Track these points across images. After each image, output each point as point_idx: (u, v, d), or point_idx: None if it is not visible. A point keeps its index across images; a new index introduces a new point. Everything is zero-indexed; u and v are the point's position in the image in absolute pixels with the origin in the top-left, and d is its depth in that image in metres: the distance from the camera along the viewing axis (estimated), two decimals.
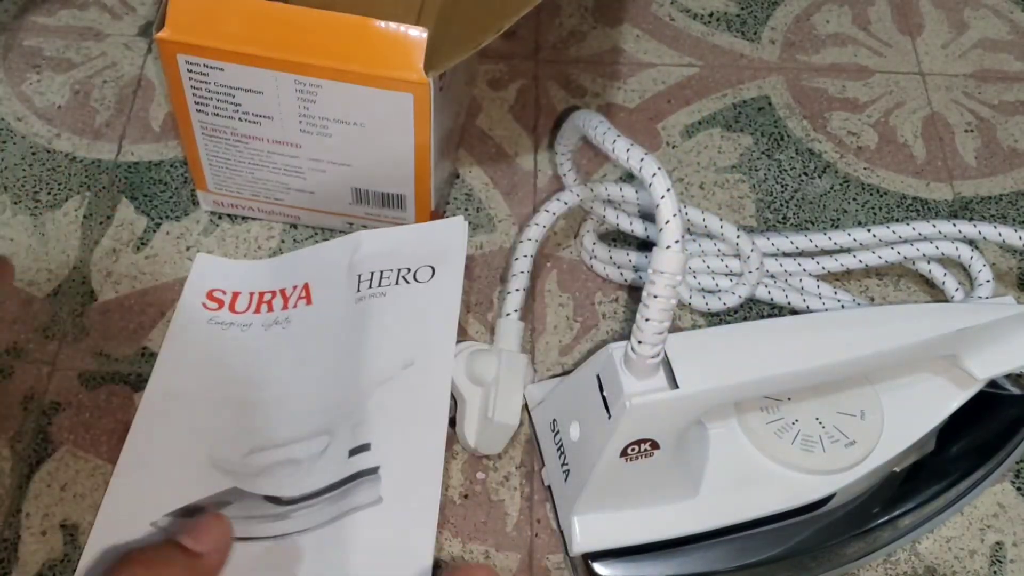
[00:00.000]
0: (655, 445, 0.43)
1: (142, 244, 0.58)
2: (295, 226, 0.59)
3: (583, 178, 0.58)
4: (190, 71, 0.51)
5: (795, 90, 0.67)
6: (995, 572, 0.50)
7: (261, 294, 0.55)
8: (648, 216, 0.57)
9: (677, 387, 0.41)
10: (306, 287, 0.55)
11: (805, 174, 0.63)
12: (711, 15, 0.70)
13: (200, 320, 0.55)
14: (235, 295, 0.55)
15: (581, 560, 0.46)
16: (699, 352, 0.42)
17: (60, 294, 0.56)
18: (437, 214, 0.58)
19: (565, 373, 0.52)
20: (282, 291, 0.55)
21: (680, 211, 0.40)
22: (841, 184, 0.63)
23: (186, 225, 0.59)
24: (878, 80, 0.68)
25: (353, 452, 0.48)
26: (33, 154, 0.62)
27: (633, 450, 0.43)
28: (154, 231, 0.59)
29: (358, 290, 0.53)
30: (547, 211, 0.55)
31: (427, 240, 0.54)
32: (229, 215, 0.59)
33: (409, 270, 0.53)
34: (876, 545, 0.49)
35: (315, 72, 0.50)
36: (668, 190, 0.39)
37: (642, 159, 0.40)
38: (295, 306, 0.54)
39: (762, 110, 0.66)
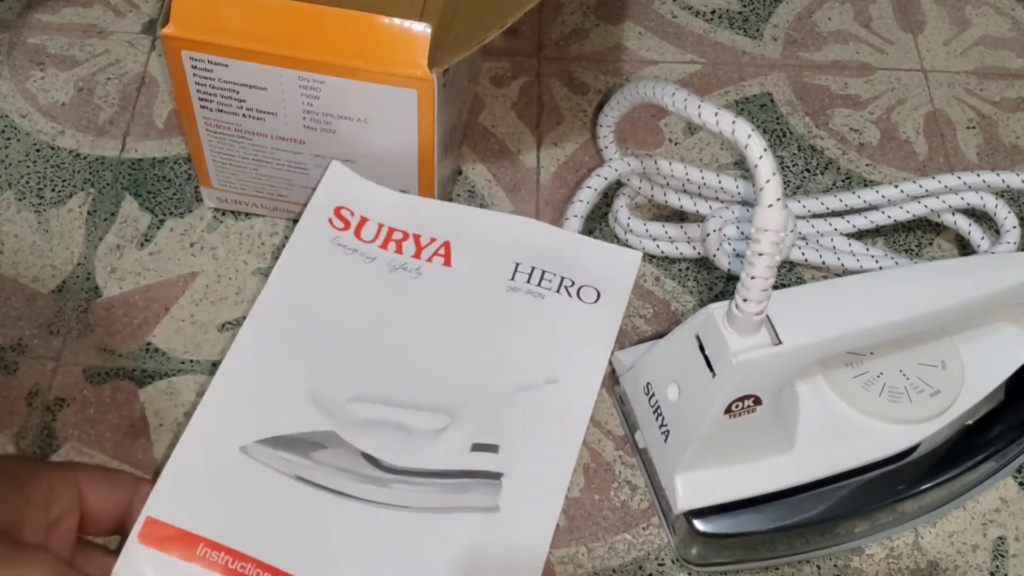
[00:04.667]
0: (758, 401, 0.44)
1: (146, 240, 0.58)
2: (298, 222, 0.59)
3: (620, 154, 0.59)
4: (194, 67, 0.51)
5: (797, 87, 0.67)
6: (997, 566, 0.50)
7: (391, 230, 0.53)
8: (687, 191, 0.58)
9: (780, 342, 0.43)
10: (446, 246, 0.53)
11: (807, 171, 0.63)
12: (713, 12, 0.71)
13: (324, 236, 0.52)
14: (363, 220, 0.53)
15: (682, 518, 0.47)
16: (798, 308, 0.44)
17: (64, 290, 0.56)
18: None
19: (654, 337, 0.53)
20: (416, 237, 0.53)
21: (778, 170, 0.41)
22: (843, 181, 0.63)
23: (190, 222, 0.59)
24: (880, 77, 0.68)
25: (477, 448, 0.47)
26: (37, 151, 0.62)
27: (737, 407, 0.44)
28: (158, 228, 0.59)
29: (512, 279, 0.52)
30: (588, 187, 0.56)
31: (598, 260, 0.53)
32: (233, 211, 0.59)
33: (573, 283, 0.52)
34: (957, 492, 0.50)
35: (319, 68, 0.50)
36: (765, 150, 0.41)
37: (734, 122, 0.41)
38: (429, 260, 0.52)
39: (764, 107, 0.66)
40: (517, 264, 0.52)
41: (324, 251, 0.52)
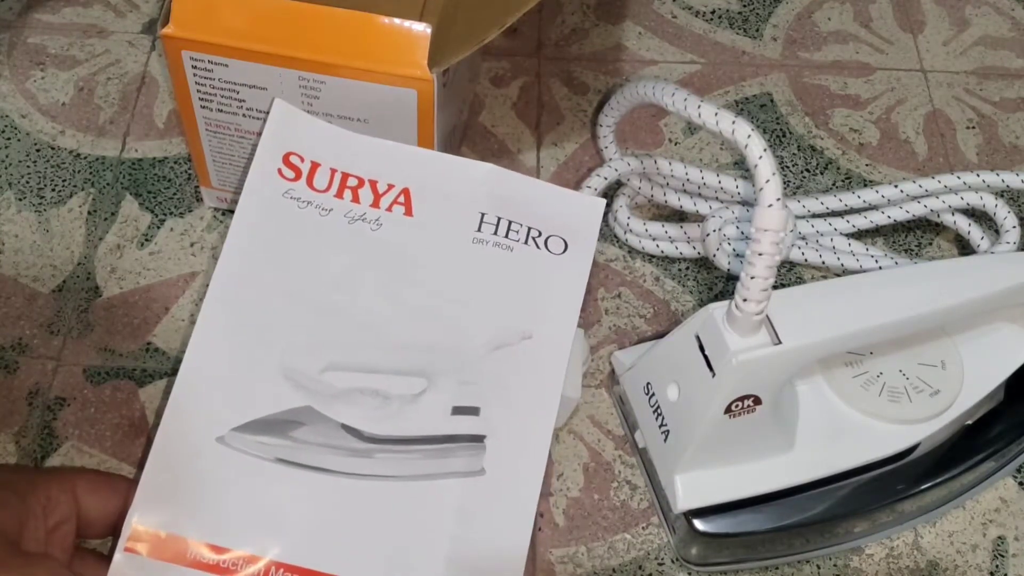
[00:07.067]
0: (757, 401, 0.44)
1: (146, 240, 0.58)
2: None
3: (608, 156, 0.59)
4: (194, 67, 0.51)
5: (797, 87, 0.67)
6: (997, 566, 0.50)
7: (345, 175, 0.50)
8: (687, 191, 0.58)
9: (780, 342, 0.43)
10: (406, 193, 0.49)
11: (807, 171, 0.63)
12: (713, 12, 0.71)
13: (275, 190, 0.49)
14: (314, 166, 0.49)
15: (682, 517, 0.47)
16: (798, 308, 0.44)
17: (65, 290, 0.56)
18: None
19: (654, 337, 0.53)
20: (372, 183, 0.49)
21: (778, 170, 0.41)
22: (843, 181, 0.63)
23: (190, 221, 0.59)
24: (880, 77, 0.68)
25: (458, 411, 0.46)
26: (37, 151, 0.62)
27: (737, 406, 0.44)
28: (158, 227, 0.59)
29: (479, 230, 0.49)
30: (588, 187, 0.57)
31: (563, 208, 0.51)
32: (233, 211, 0.59)
33: (540, 233, 0.50)
34: (957, 492, 0.51)
35: (319, 68, 0.50)
36: (765, 150, 0.41)
37: (734, 122, 0.41)
38: (389, 209, 0.49)
39: (764, 107, 0.66)
40: (483, 214, 0.50)
41: (277, 208, 0.49)
